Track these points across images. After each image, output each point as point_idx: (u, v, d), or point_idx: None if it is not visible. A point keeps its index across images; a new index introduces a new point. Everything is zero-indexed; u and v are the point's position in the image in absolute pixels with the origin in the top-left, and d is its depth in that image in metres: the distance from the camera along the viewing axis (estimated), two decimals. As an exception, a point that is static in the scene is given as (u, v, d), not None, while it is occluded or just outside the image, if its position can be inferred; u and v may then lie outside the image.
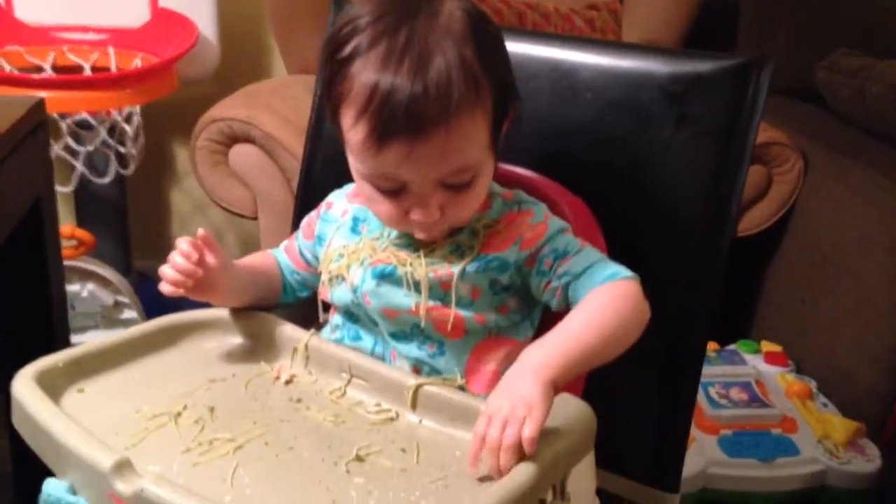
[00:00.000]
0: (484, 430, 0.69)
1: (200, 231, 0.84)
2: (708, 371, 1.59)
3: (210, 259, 0.84)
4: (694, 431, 1.47)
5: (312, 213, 0.95)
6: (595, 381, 0.86)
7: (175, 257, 0.83)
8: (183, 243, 0.83)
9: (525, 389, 0.70)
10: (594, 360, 0.77)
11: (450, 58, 0.74)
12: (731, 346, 1.73)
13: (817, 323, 1.69)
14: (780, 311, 1.84)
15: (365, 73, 0.75)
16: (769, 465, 1.44)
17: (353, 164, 0.81)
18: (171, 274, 0.82)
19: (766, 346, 1.73)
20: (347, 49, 0.77)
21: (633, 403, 0.98)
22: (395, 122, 0.74)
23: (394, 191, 0.79)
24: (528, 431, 0.67)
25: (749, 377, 1.61)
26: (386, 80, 0.73)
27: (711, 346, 1.70)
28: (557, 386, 0.72)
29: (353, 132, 0.77)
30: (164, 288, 0.83)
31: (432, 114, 0.73)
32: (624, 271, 0.81)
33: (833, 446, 1.46)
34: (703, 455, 1.44)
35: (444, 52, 0.74)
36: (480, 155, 0.79)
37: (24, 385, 0.76)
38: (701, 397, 1.55)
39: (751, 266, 1.90)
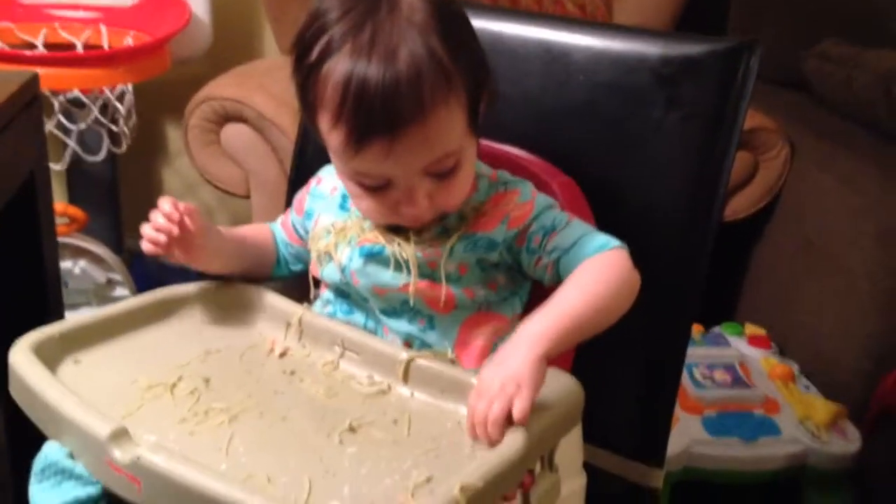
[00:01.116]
0: (474, 405, 0.71)
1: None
2: (692, 352, 1.62)
3: (190, 222, 0.85)
4: (678, 411, 1.49)
5: (303, 189, 0.96)
6: (583, 357, 0.88)
7: (156, 216, 0.84)
8: (165, 203, 0.84)
9: (516, 364, 0.71)
10: (587, 329, 0.78)
11: (416, 51, 0.75)
12: (716, 329, 1.75)
13: (801, 307, 1.71)
14: (764, 294, 1.86)
15: (334, 77, 0.75)
16: (751, 444, 1.46)
17: (336, 164, 0.82)
18: (150, 232, 0.84)
19: (750, 328, 1.75)
20: (315, 52, 0.77)
21: (620, 380, 1.00)
22: (370, 123, 0.74)
23: (379, 187, 0.80)
24: (519, 409, 0.69)
25: (733, 359, 1.63)
26: (357, 82, 0.74)
27: (696, 328, 1.72)
28: (550, 358, 0.74)
29: (332, 136, 0.78)
30: (144, 246, 0.84)
31: (406, 111, 0.74)
32: (612, 241, 0.82)
33: (814, 427, 1.48)
34: (686, 434, 1.46)
35: (409, 46, 0.74)
36: (460, 140, 0.80)
37: (22, 355, 0.77)
38: (685, 378, 1.57)
39: (737, 250, 1.92)
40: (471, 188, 0.85)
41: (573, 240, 0.83)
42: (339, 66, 0.75)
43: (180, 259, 0.86)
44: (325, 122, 0.78)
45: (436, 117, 0.76)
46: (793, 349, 1.71)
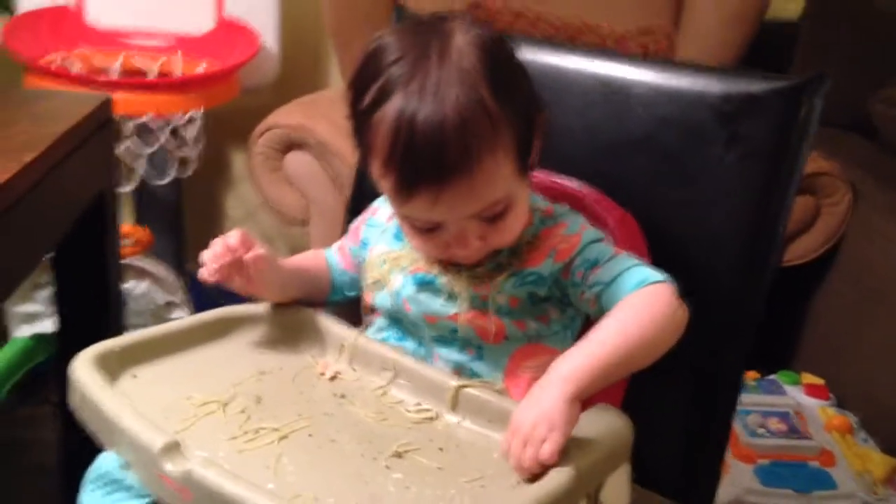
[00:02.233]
0: (508, 444, 0.71)
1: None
2: (746, 399, 1.59)
3: (252, 253, 0.86)
4: (730, 459, 1.46)
5: (360, 218, 0.97)
6: (633, 393, 0.87)
7: (216, 245, 0.86)
8: (231, 236, 0.86)
9: (549, 404, 0.71)
10: (624, 366, 0.77)
11: (463, 100, 0.75)
12: (772, 377, 1.72)
13: (861, 357, 1.67)
14: (823, 343, 1.83)
15: (384, 126, 0.76)
16: (806, 497, 1.42)
17: (390, 204, 0.84)
18: (208, 260, 0.86)
19: (807, 377, 1.72)
20: (368, 98, 0.79)
21: (670, 420, 0.99)
22: (418, 172, 0.76)
23: (431, 229, 0.81)
24: (548, 452, 0.69)
25: (788, 408, 1.60)
26: (405, 133, 0.75)
27: (751, 374, 1.70)
28: (584, 396, 0.73)
29: (383, 181, 0.80)
30: (201, 273, 0.86)
31: (452, 161, 0.75)
32: (655, 275, 0.81)
33: (872, 482, 1.44)
34: (738, 483, 1.43)
35: (457, 95, 0.75)
36: (508, 187, 0.80)
37: (83, 367, 0.79)
38: (738, 425, 1.54)
39: (795, 296, 1.88)
40: (525, 222, 0.85)
41: (615, 274, 0.82)
42: (388, 115, 0.76)
43: (239, 289, 0.88)
44: (376, 168, 0.80)
45: (481, 168, 0.76)
46: (851, 400, 1.67)
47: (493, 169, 0.77)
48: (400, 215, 0.83)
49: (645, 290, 0.80)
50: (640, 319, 0.78)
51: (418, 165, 0.76)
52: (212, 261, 0.85)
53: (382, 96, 0.77)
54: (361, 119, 0.80)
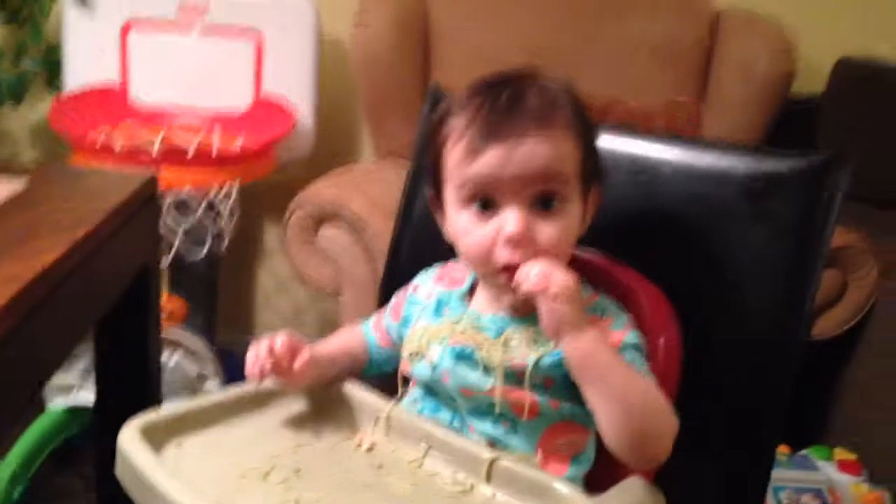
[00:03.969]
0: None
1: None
2: (779, 475, 1.58)
3: (299, 361, 0.90)
4: (764, 534, 1.44)
5: (400, 294, 1.00)
6: (665, 469, 0.88)
7: (263, 349, 0.89)
8: (278, 341, 0.89)
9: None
10: (616, 394, 0.79)
11: (549, 89, 0.86)
12: (804, 452, 1.71)
13: (892, 431, 1.66)
14: (854, 418, 1.81)
15: (467, 106, 0.86)
16: (841, 573, 1.40)
17: (452, 193, 0.87)
18: (254, 363, 0.90)
19: (840, 453, 1.70)
20: (441, 109, 0.88)
21: (702, 496, 0.99)
22: (496, 125, 0.83)
23: (485, 204, 0.84)
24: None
25: (821, 484, 1.58)
26: (490, 99, 0.84)
27: (783, 449, 1.68)
28: (586, 347, 0.79)
29: (456, 148, 0.85)
30: (248, 365, 0.90)
31: (530, 121, 0.83)
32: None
33: (908, 559, 1.42)
34: (772, 560, 1.42)
35: (541, 89, 0.85)
36: (570, 176, 0.85)
37: (130, 438, 0.82)
38: (772, 501, 1.53)
39: (826, 371, 1.87)
40: (571, 247, 0.88)
41: None
42: (473, 101, 0.85)
43: (279, 383, 0.92)
44: (452, 140, 0.85)
45: (555, 134, 0.83)
46: (884, 475, 1.65)
47: (564, 143, 0.84)
48: (457, 198, 0.86)
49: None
50: (648, 389, 0.81)
51: (499, 119, 0.83)
52: (255, 364, 0.89)
53: (463, 102, 0.87)
54: (438, 119, 0.88)
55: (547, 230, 0.84)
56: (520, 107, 0.83)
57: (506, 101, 0.84)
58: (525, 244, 0.83)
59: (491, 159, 0.83)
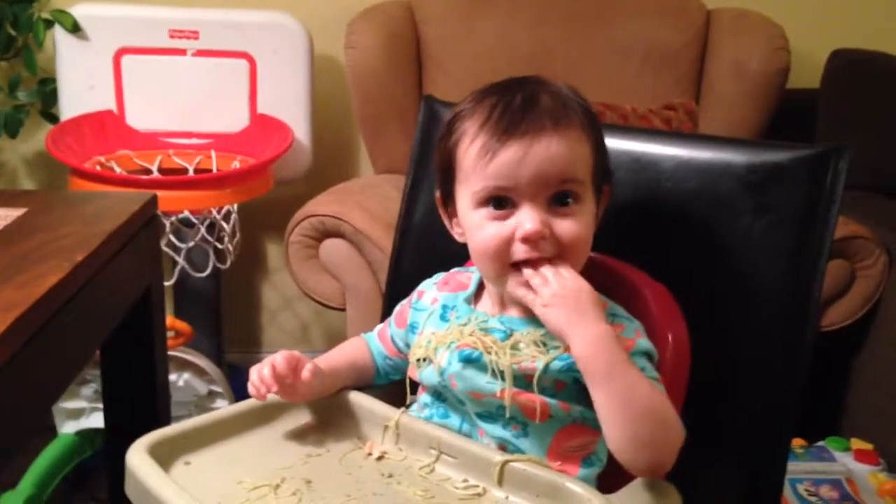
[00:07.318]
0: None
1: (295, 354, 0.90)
2: (796, 467, 1.57)
3: (304, 374, 0.89)
4: (783, 529, 1.43)
5: (405, 302, 0.99)
6: (681, 466, 0.87)
7: (264, 368, 0.89)
8: (279, 362, 0.89)
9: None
10: (624, 392, 0.78)
11: (561, 92, 0.87)
12: (820, 443, 1.69)
13: (908, 419, 1.65)
14: (870, 407, 1.80)
15: (481, 107, 0.86)
16: (863, 565, 1.39)
17: (466, 193, 0.87)
18: (256, 381, 0.90)
19: (856, 443, 1.69)
20: (454, 112, 0.88)
21: (719, 491, 0.98)
22: (512, 125, 0.83)
23: (501, 202, 0.84)
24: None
25: (839, 475, 1.57)
26: (505, 100, 0.85)
27: (799, 442, 1.67)
28: (602, 324, 0.80)
29: (471, 148, 0.85)
30: (250, 389, 0.90)
31: (546, 121, 0.83)
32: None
33: (930, 547, 1.41)
34: (792, 554, 1.40)
35: (552, 92, 0.86)
36: (584, 176, 0.85)
37: (138, 456, 0.81)
38: (790, 494, 1.51)
39: (839, 361, 1.87)
40: (588, 246, 0.88)
41: None
42: (485, 102, 0.86)
43: (284, 399, 0.91)
44: (466, 140, 0.86)
45: (569, 135, 0.84)
46: (902, 464, 1.64)
47: (578, 144, 0.85)
48: (473, 199, 0.86)
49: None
50: (654, 395, 0.79)
51: (515, 118, 0.83)
52: (259, 384, 0.89)
53: (475, 103, 0.87)
54: (446, 129, 0.88)
55: (566, 225, 0.84)
56: (535, 107, 0.84)
57: (521, 101, 0.84)
58: (542, 243, 0.84)
59: (509, 156, 0.83)
